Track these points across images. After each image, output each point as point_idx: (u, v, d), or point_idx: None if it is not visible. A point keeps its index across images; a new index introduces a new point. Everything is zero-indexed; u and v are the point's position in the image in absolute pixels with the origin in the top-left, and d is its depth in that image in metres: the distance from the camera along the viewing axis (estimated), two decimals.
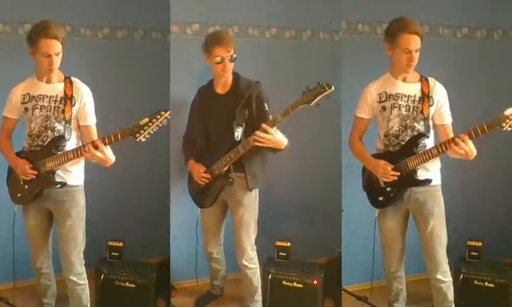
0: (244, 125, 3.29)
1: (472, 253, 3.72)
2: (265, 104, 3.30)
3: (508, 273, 3.57)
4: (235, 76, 3.41)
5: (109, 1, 4.09)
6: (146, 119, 3.00)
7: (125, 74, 4.11)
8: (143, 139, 3.00)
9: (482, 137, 2.94)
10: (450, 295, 3.25)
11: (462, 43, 4.15)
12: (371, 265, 3.69)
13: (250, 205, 3.44)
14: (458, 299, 3.28)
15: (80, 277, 3.26)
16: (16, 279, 3.53)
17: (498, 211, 4.24)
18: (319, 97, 3.02)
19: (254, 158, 3.34)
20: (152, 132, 3.00)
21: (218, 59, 3.30)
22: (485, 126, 2.89)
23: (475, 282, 3.58)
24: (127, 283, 3.62)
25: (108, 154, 3.06)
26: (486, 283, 3.57)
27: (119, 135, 3.00)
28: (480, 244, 3.73)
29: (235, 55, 3.32)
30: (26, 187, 3.19)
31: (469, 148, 2.94)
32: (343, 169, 3.80)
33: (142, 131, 2.99)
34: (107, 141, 3.02)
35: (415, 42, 3.01)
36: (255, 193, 3.46)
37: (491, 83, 4.11)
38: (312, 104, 3.03)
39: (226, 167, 3.33)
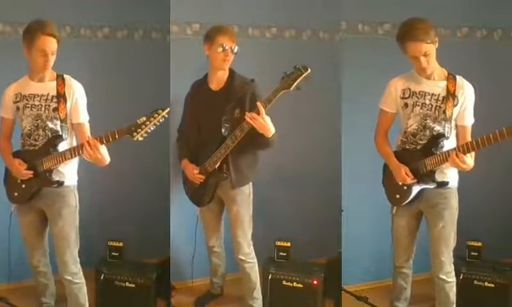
0: (231, 122, 3.29)
1: (472, 253, 3.73)
2: (258, 104, 3.27)
3: (508, 273, 3.57)
4: (231, 73, 3.41)
5: (109, 1, 4.09)
6: (144, 118, 2.97)
7: (124, 74, 4.11)
8: (140, 138, 2.97)
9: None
10: (453, 296, 3.24)
11: (462, 43, 4.15)
12: (371, 265, 3.70)
13: (244, 202, 3.46)
14: (458, 299, 3.27)
15: (75, 277, 3.24)
16: (14, 279, 3.54)
17: (498, 211, 4.24)
18: (297, 81, 3.08)
19: (242, 156, 3.35)
20: (149, 130, 2.97)
21: (221, 48, 3.30)
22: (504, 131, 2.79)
23: (475, 282, 3.58)
24: (127, 283, 3.62)
25: (104, 153, 3.04)
26: (486, 283, 3.57)
27: (116, 134, 2.98)
28: (480, 244, 3.74)
29: (237, 48, 3.33)
30: (23, 186, 3.18)
31: (465, 164, 2.94)
32: (343, 169, 3.80)
33: (139, 130, 2.95)
34: (104, 140, 3.00)
35: (420, 49, 2.95)
36: (249, 189, 3.47)
37: (491, 83, 4.10)
38: (291, 89, 3.08)
39: (218, 163, 3.34)
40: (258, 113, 3.13)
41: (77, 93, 3.16)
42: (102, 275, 3.62)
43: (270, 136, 3.21)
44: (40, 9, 3.71)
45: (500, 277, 3.55)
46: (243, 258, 3.50)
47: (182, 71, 3.80)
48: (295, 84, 3.09)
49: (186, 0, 3.89)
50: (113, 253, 3.76)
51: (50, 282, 3.46)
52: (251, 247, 3.52)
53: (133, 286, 3.61)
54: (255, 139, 3.24)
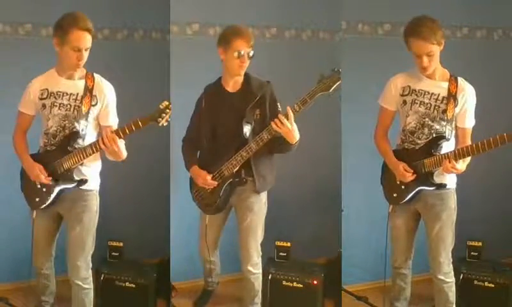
0: (253, 123, 3.20)
1: (472, 253, 3.73)
2: (278, 104, 3.21)
3: (508, 273, 3.58)
4: (246, 75, 3.28)
5: (109, 1, 4.09)
6: (166, 102, 2.87)
7: (125, 74, 4.09)
8: (165, 123, 2.87)
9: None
10: (452, 296, 3.23)
11: (462, 43, 4.15)
12: (371, 265, 3.70)
13: (260, 210, 3.36)
14: (458, 299, 3.27)
15: (85, 282, 3.17)
16: (14, 279, 3.53)
17: (498, 211, 4.24)
18: (336, 84, 2.98)
19: (263, 160, 3.26)
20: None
21: (237, 53, 3.14)
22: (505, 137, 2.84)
23: (475, 282, 3.59)
24: (127, 283, 3.62)
25: (121, 147, 2.96)
26: (486, 283, 3.57)
27: (140, 123, 2.87)
28: (480, 244, 3.74)
29: (253, 53, 3.18)
30: (44, 189, 3.03)
31: (455, 170, 2.97)
32: (343, 169, 3.80)
33: (164, 114, 2.86)
34: (127, 129, 2.89)
35: (423, 47, 2.94)
36: (264, 197, 3.38)
37: (491, 83, 4.10)
38: (330, 91, 2.97)
39: (237, 167, 3.22)
40: (287, 118, 3.01)
41: (108, 95, 3.06)
42: (102, 275, 3.62)
43: (294, 143, 3.13)
44: (39, 9, 3.72)
45: (500, 277, 3.56)
46: (251, 269, 3.40)
47: (182, 71, 3.80)
48: (334, 86, 2.97)
49: (186, 0, 3.89)
50: (113, 253, 3.76)
51: (51, 283, 3.42)
52: (260, 257, 3.44)
53: (133, 286, 3.61)
54: (276, 143, 3.14)
